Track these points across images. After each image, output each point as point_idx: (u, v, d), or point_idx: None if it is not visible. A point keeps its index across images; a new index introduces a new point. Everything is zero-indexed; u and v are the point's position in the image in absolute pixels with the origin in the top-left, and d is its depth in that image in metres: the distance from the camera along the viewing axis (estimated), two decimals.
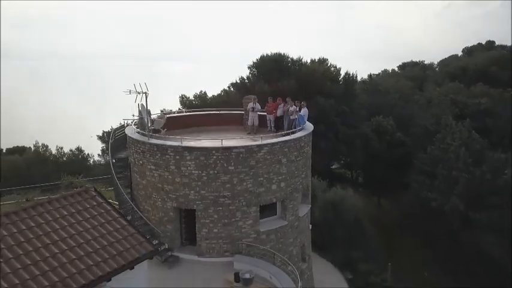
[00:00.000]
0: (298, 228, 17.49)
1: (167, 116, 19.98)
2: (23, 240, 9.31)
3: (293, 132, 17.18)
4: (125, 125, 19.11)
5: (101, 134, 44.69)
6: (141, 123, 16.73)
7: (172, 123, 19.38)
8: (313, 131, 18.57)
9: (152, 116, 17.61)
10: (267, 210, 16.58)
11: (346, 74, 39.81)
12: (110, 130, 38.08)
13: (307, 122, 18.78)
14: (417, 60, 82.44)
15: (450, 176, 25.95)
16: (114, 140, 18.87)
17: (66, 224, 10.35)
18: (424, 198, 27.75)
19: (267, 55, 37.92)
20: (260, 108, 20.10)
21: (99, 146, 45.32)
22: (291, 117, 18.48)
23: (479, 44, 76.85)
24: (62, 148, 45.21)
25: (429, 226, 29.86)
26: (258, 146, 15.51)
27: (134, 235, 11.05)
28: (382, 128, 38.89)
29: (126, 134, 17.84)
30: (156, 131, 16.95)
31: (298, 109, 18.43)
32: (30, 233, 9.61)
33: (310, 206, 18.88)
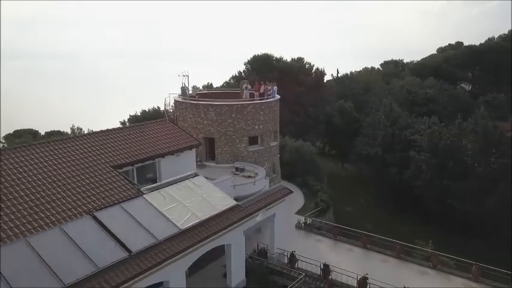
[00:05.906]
0: (270, 152, 31.19)
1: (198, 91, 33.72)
2: (121, 139, 22.31)
3: (267, 99, 30.80)
4: (168, 97, 32.66)
5: (122, 120, 57.47)
6: (183, 93, 30.32)
7: (199, 95, 32.99)
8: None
9: (190, 89, 31.29)
10: (253, 141, 30.21)
11: (317, 69, 53.44)
12: (133, 115, 52.04)
13: (276, 94, 32.42)
14: (397, 59, 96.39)
15: (374, 134, 39.78)
16: (165, 104, 32.58)
17: (154, 131, 23.74)
18: (360, 151, 41.53)
19: (258, 55, 51.46)
20: (250, 87, 33.56)
21: None
22: (268, 93, 32.12)
23: (449, 44, 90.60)
24: (92, 131, 58.33)
25: (365, 170, 43.76)
26: (247, 103, 29.25)
27: (191, 137, 24.68)
28: (343, 109, 52.64)
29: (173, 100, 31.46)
30: (192, 96, 30.50)
31: (272, 87, 32.05)
32: (126, 138, 22.68)
33: (278, 142, 32.60)
